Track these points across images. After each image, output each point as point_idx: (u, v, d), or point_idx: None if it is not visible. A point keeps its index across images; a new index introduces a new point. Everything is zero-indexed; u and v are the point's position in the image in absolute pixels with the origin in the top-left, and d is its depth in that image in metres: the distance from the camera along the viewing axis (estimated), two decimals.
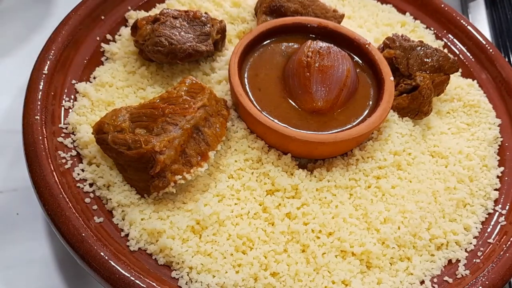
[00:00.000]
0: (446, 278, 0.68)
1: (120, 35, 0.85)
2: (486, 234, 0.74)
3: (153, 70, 0.81)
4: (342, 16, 0.90)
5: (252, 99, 0.75)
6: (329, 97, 0.75)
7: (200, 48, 0.78)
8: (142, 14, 0.89)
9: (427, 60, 0.83)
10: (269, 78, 0.78)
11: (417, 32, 0.99)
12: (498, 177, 0.81)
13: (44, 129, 0.69)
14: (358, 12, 0.99)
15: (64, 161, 0.69)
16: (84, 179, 0.68)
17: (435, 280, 0.68)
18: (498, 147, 0.85)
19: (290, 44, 0.83)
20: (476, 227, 0.74)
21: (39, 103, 0.71)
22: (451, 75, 0.86)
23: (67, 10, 0.81)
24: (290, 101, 0.76)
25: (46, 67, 0.74)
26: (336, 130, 0.74)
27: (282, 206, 0.69)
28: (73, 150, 0.70)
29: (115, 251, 0.62)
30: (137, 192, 0.68)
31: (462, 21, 0.99)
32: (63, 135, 0.71)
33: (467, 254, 0.71)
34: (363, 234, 0.69)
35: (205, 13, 0.82)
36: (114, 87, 0.78)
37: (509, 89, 0.90)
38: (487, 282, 0.66)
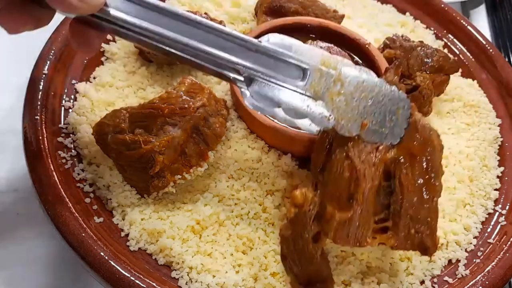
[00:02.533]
0: (446, 278, 0.68)
1: None
2: (486, 234, 0.74)
3: (153, 70, 0.81)
4: (342, 16, 0.90)
5: None
6: None
7: None
8: None
9: (427, 60, 0.83)
10: None
11: (417, 32, 0.99)
12: (498, 177, 0.81)
13: (44, 129, 0.69)
14: (358, 12, 0.99)
15: (64, 161, 0.69)
16: (84, 179, 0.68)
17: (435, 280, 0.68)
18: (498, 147, 0.84)
19: None
20: (476, 227, 0.74)
21: (39, 103, 0.71)
22: (451, 75, 0.86)
23: None
24: None
25: (46, 67, 0.74)
26: None
27: (282, 206, 0.69)
28: (73, 150, 0.70)
29: (115, 251, 0.62)
30: (137, 192, 0.68)
31: (462, 21, 0.99)
32: (63, 135, 0.71)
33: (467, 254, 0.71)
34: None
35: (205, 13, 0.82)
36: (114, 87, 0.78)
37: (509, 89, 0.90)
38: (487, 282, 0.66)
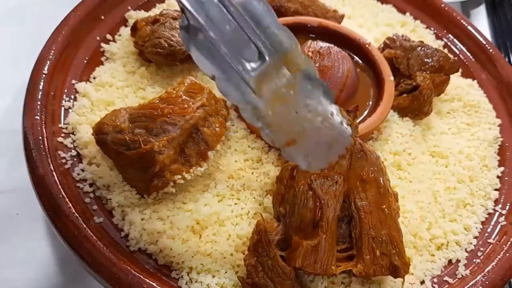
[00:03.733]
0: (446, 278, 0.68)
1: (120, 35, 0.85)
2: (486, 234, 0.74)
3: (153, 70, 0.81)
4: (342, 16, 0.90)
5: None
6: None
7: None
8: (142, 14, 0.88)
9: (428, 60, 0.83)
10: None
11: (418, 32, 0.99)
12: (498, 177, 0.81)
13: (44, 129, 0.69)
14: (358, 12, 0.99)
15: (64, 161, 0.69)
16: (84, 179, 0.68)
17: (435, 280, 0.68)
18: (498, 147, 0.84)
19: None
20: (476, 227, 0.74)
21: (39, 103, 0.71)
22: (451, 75, 0.86)
23: (67, 10, 0.81)
24: None
25: (46, 67, 0.74)
26: None
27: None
28: (73, 150, 0.70)
29: (115, 251, 0.62)
30: (137, 192, 0.67)
31: (462, 21, 0.99)
32: (63, 135, 0.71)
33: (467, 254, 0.71)
34: None
35: None
36: (114, 87, 0.78)
37: (509, 89, 0.90)
38: (487, 282, 0.66)
